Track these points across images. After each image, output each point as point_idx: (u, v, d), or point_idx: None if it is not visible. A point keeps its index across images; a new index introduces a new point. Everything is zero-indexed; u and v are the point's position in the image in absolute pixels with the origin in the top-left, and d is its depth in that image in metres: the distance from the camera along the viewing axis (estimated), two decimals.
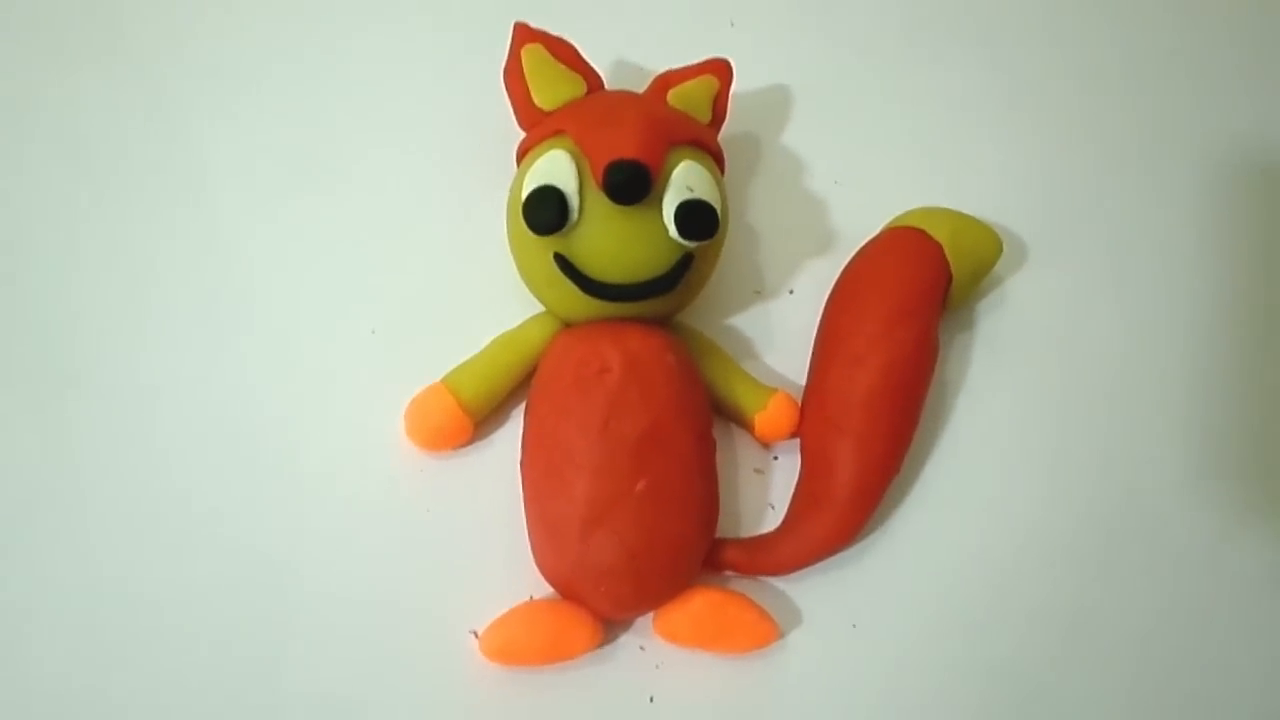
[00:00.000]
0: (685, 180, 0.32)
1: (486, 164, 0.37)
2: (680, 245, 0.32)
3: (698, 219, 0.32)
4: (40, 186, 0.37)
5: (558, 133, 0.33)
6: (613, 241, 0.31)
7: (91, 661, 0.32)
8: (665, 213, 0.32)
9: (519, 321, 0.35)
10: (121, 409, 0.35)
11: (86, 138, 0.38)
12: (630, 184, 0.30)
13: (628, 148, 0.31)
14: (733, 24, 0.42)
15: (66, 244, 0.37)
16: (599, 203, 0.31)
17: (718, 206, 0.32)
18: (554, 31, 0.35)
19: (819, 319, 0.37)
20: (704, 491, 0.33)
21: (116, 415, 0.35)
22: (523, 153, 0.34)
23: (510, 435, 0.35)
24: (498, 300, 0.36)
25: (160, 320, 0.36)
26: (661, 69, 0.36)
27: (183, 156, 0.38)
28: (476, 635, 0.33)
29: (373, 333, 0.36)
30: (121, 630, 0.33)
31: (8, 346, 0.35)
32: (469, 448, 0.35)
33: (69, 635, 0.32)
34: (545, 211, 0.31)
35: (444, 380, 0.34)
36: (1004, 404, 0.38)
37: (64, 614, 0.33)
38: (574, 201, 0.31)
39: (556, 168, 0.32)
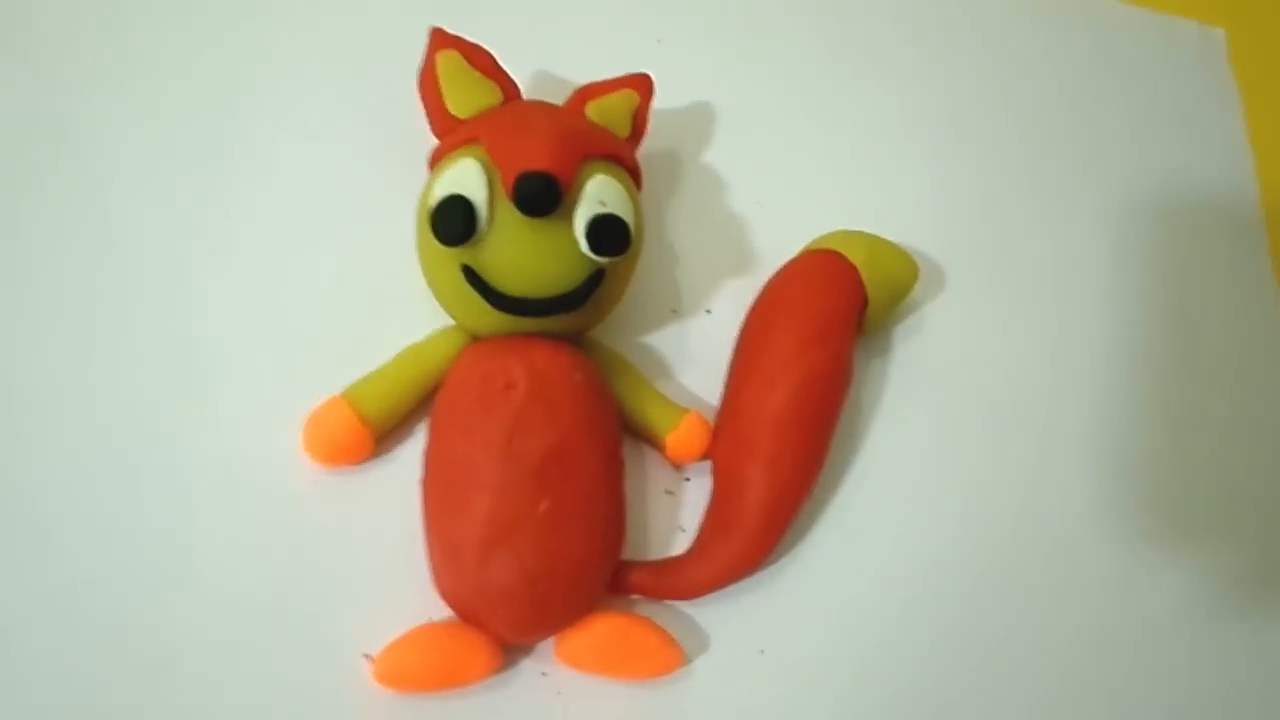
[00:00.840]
0: (598, 194, 0.31)
1: (399, 170, 0.36)
2: (591, 260, 0.31)
3: (609, 234, 0.31)
4: None
5: (470, 141, 0.32)
6: (522, 254, 0.31)
7: None
8: (576, 227, 0.31)
9: (426, 334, 0.34)
10: (2, 414, 0.33)
11: None
12: (540, 196, 0.30)
13: (539, 159, 0.30)
14: (659, 41, 0.42)
15: None
16: (509, 214, 0.30)
17: (630, 222, 0.32)
18: (475, 39, 0.34)
19: (735, 339, 0.37)
20: (609, 513, 0.32)
21: None
22: (435, 160, 0.34)
23: (413, 451, 0.33)
24: (406, 312, 0.35)
25: (47, 321, 0.34)
26: (585, 82, 0.36)
27: (79, 153, 0.36)
28: (370, 659, 0.31)
29: (273, 341, 0.35)
30: None
31: None
32: (369, 463, 0.34)
33: None
34: (453, 221, 0.30)
35: (344, 394, 0.33)
36: (918, 429, 0.38)
37: None
38: (483, 212, 0.30)
39: (466, 177, 0.31)
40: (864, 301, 0.36)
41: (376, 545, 0.33)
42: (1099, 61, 0.46)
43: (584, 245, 0.31)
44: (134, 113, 0.37)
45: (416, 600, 0.32)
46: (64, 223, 0.35)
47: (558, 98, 0.36)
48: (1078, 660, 0.36)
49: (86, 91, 0.37)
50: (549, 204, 0.30)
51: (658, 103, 0.36)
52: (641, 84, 0.36)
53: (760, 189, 0.40)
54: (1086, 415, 0.40)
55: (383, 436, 0.34)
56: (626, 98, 0.35)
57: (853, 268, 0.36)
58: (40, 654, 0.31)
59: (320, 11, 0.40)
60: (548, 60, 0.40)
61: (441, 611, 0.32)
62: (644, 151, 0.36)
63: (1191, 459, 0.40)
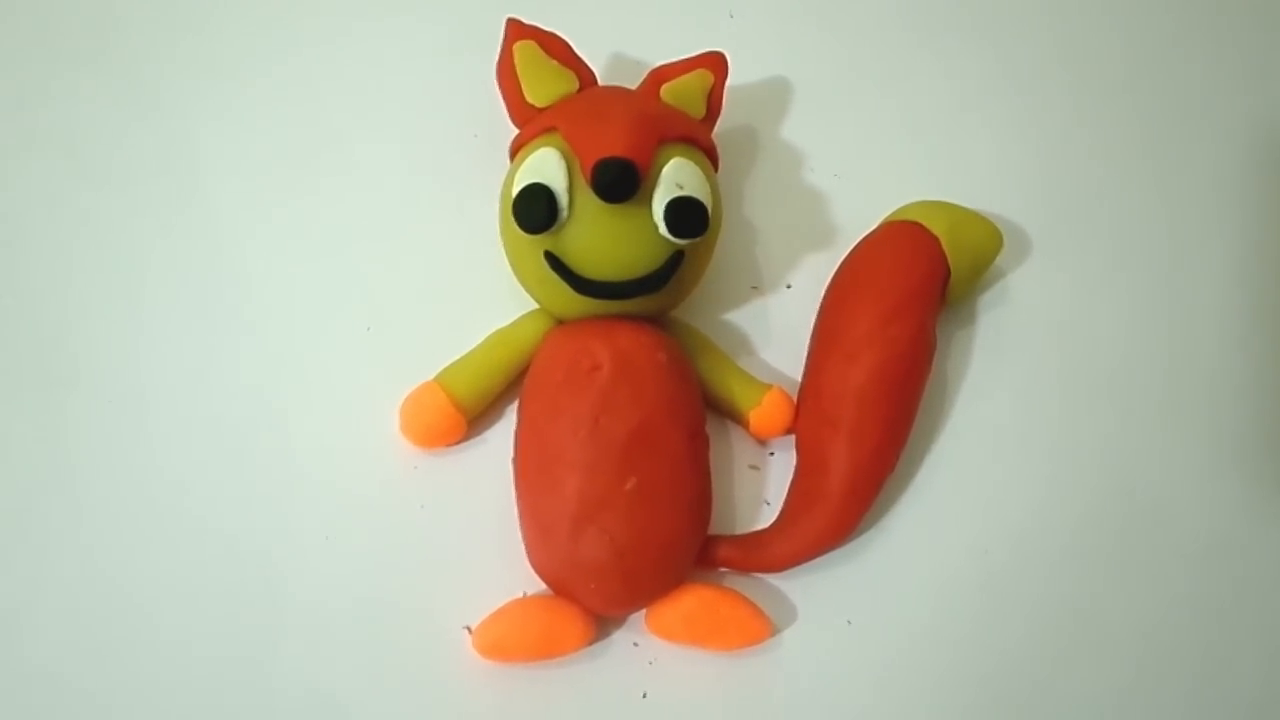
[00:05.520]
0: (675, 177, 0.32)
1: (482, 160, 0.37)
2: (670, 243, 0.32)
3: (687, 217, 0.31)
4: (35, 185, 0.38)
5: (548, 130, 0.33)
6: (603, 239, 0.31)
7: (84, 657, 0.33)
8: (655, 210, 0.32)
9: (513, 318, 0.35)
10: (116, 408, 0.35)
11: (81, 137, 0.38)
12: (618, 182, 0.30)
13: (616, 145, 0.30)
14: (731, 15, 0.42)
15: (61, 243, 0.37)
16: (589, 201, 0.31)
17: (708, 204, 0.32)
18: (549, 26, 0.35)
19: (816, 314, 0.37)
20: (695, 489, 0.33)
21: (111, 414, 0.35)
22: (515, 150, 0.34)
23: (504, 432, 0.35)
24: (492, 297, 0.36)
25: (155, 319, 0.36)
26: (659, 62, 0.36)
27: (178, 155, 0.38)
28: (470, 631, 0.33)
29: (368, 330, 0.36)
30: (114, 627, 0.33)
31: (3, 346, 0.36)
32: (463, 445, 0.35)
33: (63, 631, 0.33)
34: (534, 210, 0.31)
35: (437, 378, 0.34)
36: (1005, 399, 0.38)
37: (58, 612, 0.33)
38: (563, 200, 0.31)
39: (546, 165, 0.32)
40: (946, 272, 0.36)
41: (472, 523, 0.34)
42: (1193, 11, 0.44)
43: (663, 228, 0.32)
44: (229, 119, 0.39)
45: (512, 575, 0.33)
46: (172, 226, 0.37)
47: (633, 78, 0.36)
48: (1171, 629, 0.36)
49: (183, 94, 0.39)
50: (627, 189, 0.30)
51: (732, 78, 0.36)
52: (715, 63, 0.36)
53: (838, 161, 0.40)
54: (1179, 381, 0.38)
55: (475, 419, 0.35)
56: (701, 78, 0.35)
57: (934, 238, 0.36)
58: (159, 626, 0.33)
59: (401, 8, 0.41)
60: (621, 40, 0.41)
61: (536, 586, 0.33)
62: (720, 128, 0.37)
63: None
